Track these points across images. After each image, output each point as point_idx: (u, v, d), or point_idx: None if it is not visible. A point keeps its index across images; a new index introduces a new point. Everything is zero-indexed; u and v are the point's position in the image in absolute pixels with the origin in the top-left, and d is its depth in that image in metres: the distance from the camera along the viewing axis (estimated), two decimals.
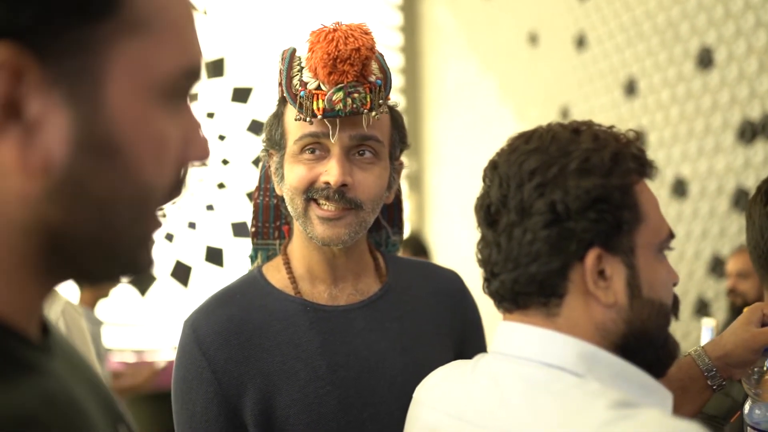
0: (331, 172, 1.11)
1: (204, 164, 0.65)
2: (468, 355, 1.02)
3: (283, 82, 1.16)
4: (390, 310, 1.23)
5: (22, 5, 0.46)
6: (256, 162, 6.25)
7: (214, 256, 6.23)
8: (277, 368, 1.14)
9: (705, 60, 3.47)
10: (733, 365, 1.11)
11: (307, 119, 1.11)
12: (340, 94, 1.08)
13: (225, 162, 6.24)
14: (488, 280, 0.90)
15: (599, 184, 0.82)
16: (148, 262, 0.58)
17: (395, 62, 5.78)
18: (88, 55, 0.49)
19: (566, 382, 0.80)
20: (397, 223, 1.36)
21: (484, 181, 0.92)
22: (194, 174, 6.22)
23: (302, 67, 1.15)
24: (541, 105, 4.79)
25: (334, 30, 1.09)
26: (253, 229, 1.32)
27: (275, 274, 1.23)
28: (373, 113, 1.11)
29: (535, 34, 4.83)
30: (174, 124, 0.56)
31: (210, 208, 6.22)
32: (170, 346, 4.23)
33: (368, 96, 1.10)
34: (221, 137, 6.23)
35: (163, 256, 6.17)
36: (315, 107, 1.09)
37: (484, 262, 0.90)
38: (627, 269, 0.84)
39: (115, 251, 0.55)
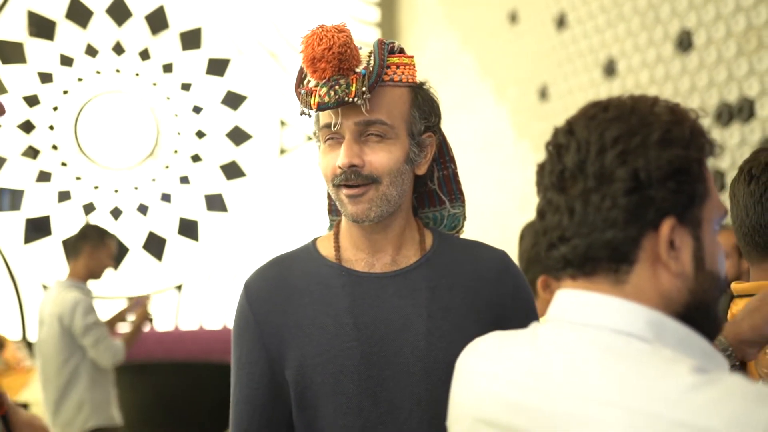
0: (339, 155, 1.26)
1: None
2: (511, 329, 1.04)
3: (295, 83, 1.32)
4: (422, 279, 1.33)
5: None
6: (230, 135, 6.20)
7: (189, 228, 6.19)
8: (310, 322, 1.30)
9: (684, 43, 3.48)
10: (747, 346, 1.14)
11: (307, 113, 1.29)
12: (325, 89, 1.23)
13: (200, 134, 6.18)
14: (554, 246, 0.91)
15: (681, 155, 0.84)
16: None
17: (372, 37, 5.73)
18: None
19: (637, 348, 0.81)
20: (458, 196, 1.46)
21: (549, 147, 0.92)
22: (168, 145, 6.12)
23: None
24: (520, 83, 4.79)
25: (312, 34, 1.23)
26: (328, 207, 1.49)
27: (325, 244, 1.39)
28: (357, 100, 1.22)
29: (515, 12, 4.81)
30: None
31: (185, 180, 6.16)
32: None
33: (353, 86, 1.22)
34: (196, 109, 6.16)
35: (136, 228, 6.11)
36: (312, 102, 1.25)
37: (551, 228, 0.91)
38: (694, 241, 0.86)
39: None
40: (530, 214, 2.48)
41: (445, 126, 1.41)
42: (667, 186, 0.83)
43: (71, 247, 3.68)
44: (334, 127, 1.26)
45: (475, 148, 5.16)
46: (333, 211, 1.47)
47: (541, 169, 0.93)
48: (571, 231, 0.88)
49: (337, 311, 1.29)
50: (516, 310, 1.35)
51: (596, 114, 0.89)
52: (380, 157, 1.26)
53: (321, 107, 1.24)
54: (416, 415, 1.25)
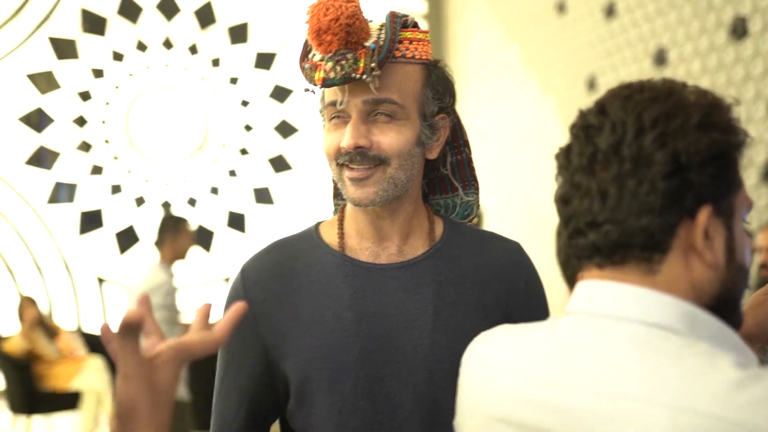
0: (345, 136, 1.18)
1: None
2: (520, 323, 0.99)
3: (300, 57, 1.24)
4: (430, 273, 1.26)
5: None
6: (277, 128, 6.26)
7: (237, 221, 6.27)
8: (308, 314, 1.23)
9: (739, 30, 3.39)
10: (750, 341, 1.10)
11: (311, 90, 1.22)
12: (330, 63, 1.15)
13: (248, 128, 6.25)
14: (581, 232, 0.86)
15: (721, 140, 0.81)
16: None
17: None
18: None
19: (672, 341, 0.78)
20: (472, 182, 1.39)
21: (575, 130, 0.89)
22: (217, 139, 6.20)
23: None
24: (566, 74, 4.73)
25: (318, 3, 1.15)
26: (333, 191, 1.41)
27: (329, 230, 1.31)
28: (366, 77, 1.14)
29: (563, 1, 4.75)
30: None
31: (233, 173, 6.24)
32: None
33: (361, 61, 1.14)
34: (244, 103, 6.23)
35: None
36: (316, 78, 1.17)
37: (579, 213, 0.86)
38: (726, 231, 0.83)
39: None
40: None
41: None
42: (707, 171, 0.80)
43: (157, 236, 4.17)
44: (340, 105, 1.17)
45: (520, 141, 5.11)
46: (339, 194, 1.38)
47: (566, 151, 0.89)
48: (602, 216, 0.83)
49: (338, 304, 1.23)
50: (527, 306, 1.29)
51: (632, 95, 0.85)
52: (389, 138, 1.18)
53: (326, 83, 1.16)
54: (416, 416, 1.19)
